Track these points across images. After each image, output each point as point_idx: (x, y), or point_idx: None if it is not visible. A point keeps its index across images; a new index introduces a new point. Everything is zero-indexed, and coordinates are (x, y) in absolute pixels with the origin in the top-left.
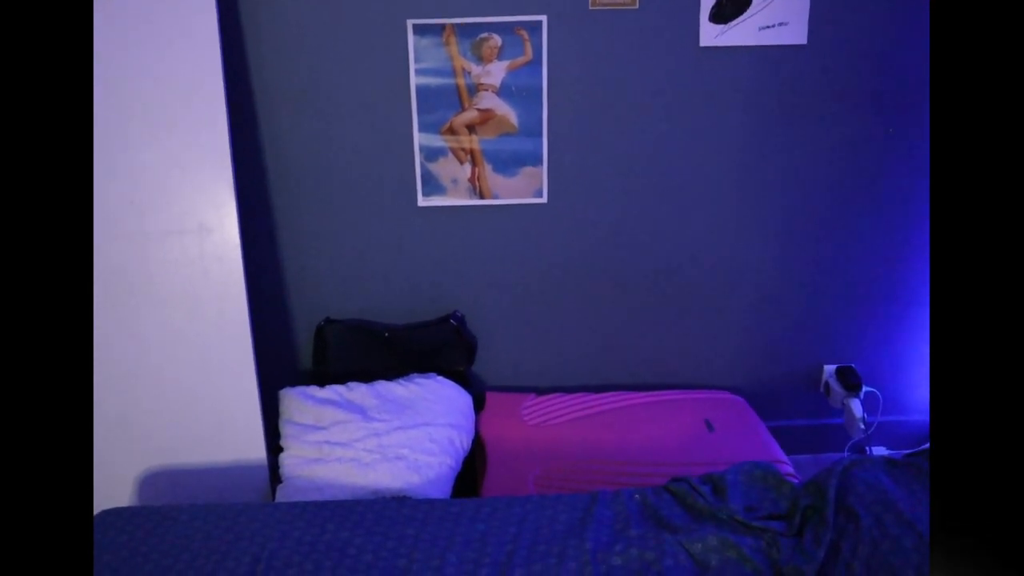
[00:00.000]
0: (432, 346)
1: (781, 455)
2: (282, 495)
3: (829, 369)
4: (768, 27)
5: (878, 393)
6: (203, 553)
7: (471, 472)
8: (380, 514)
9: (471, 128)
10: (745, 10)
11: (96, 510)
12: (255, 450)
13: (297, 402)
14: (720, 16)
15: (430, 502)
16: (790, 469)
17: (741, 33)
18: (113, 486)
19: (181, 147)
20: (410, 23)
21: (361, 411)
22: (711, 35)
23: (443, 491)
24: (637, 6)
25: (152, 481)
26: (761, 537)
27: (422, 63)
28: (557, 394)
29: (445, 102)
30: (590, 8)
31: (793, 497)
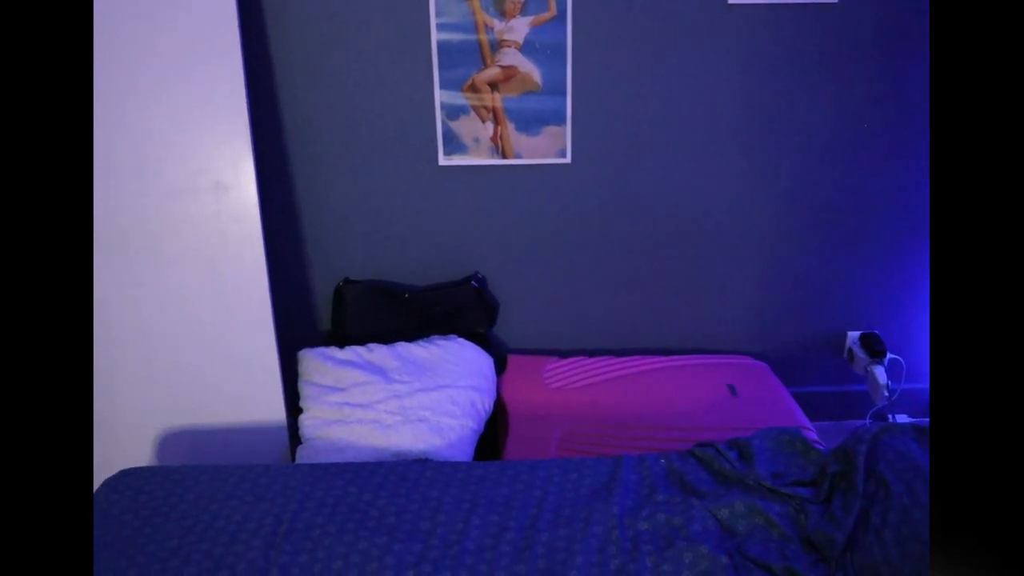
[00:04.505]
0: (453, 308)
1: (805, 421)
2: (302, 456)
3: (853, 336)
4: None
5: (902, 360)
6: (224, 514)
7: (492, 435)
8: (403, 476)
9: (493, 86)
10: None
11: (115, 470)
12: (274, 411)
13: (316, 363)
14: None
15: (453, 464)
16: (814, 435)
17: None
18: (132, 447)
19: (197, 102)
20: None
21: (382, 372)
22: None
23: (465, 454)
24: None
25: (171, 442)
26: (788, 503)
27: (443, 18)
28: (579, 357)
29: (467, 58)
30: None
31: (821, 464)
